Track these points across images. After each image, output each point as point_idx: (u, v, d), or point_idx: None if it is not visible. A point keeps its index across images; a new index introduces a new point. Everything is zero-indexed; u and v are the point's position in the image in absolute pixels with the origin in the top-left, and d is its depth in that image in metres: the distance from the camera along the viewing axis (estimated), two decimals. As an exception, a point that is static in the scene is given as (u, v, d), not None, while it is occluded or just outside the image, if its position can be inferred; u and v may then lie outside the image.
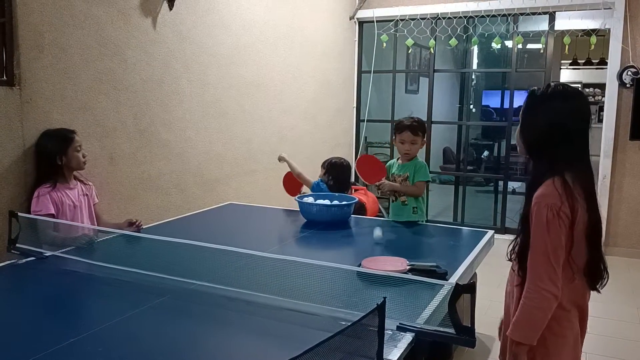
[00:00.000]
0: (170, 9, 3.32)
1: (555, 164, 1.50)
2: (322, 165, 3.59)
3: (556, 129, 1.51)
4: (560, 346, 1.54)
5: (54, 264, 2.08)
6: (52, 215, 2.39)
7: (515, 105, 5.63)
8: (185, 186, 3.57)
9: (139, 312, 1.61)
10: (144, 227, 2.62)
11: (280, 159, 3.64)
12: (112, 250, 2.29)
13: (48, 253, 2.13)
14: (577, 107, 1.54)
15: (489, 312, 3.13)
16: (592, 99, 13.25)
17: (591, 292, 1.63)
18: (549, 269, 1.45)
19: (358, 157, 3.31)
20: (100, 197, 2.79)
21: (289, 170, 3.57)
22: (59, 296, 1.80)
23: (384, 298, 1.25)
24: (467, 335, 1.43)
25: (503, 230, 5.35)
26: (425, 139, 2.99)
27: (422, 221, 2.95)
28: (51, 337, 1.44)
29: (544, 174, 1.51)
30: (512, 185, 6.75)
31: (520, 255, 1.56)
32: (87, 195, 2.64)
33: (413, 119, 2.98)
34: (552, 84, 1.60)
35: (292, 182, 3.58)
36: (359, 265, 1.94)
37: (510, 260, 1.63)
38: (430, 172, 5.47)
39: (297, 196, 3.32)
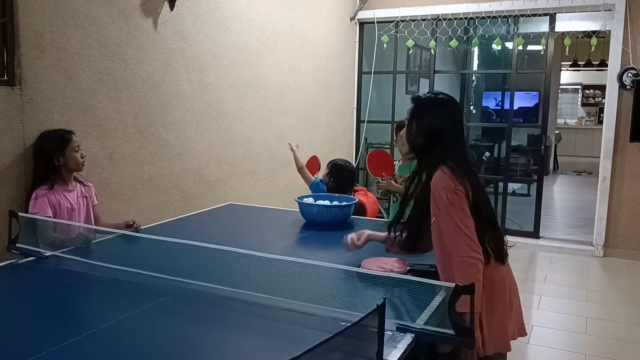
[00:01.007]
0: (171, 10, 3.32)
1: (440, 158, 1.75)
2: (327, 166, 3.57)
3: (437, 130, 1.78)
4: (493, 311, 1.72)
5: (53, 264, 2.08)
6: (50, 218, 2.38)
7: (516, 106, 5.63)
8: (185, 186, 3.58)
9: (138, 313, 1.61)
10: (143, 227, 2.62)
11: (290, 148, 3.68)
12: (112, 251, 2.29)
13: (48, 253, 2.12)
14: (455, 112, 1.84)
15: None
16: (593, 100, 13.33)
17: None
18: (466, 239, 1.65)
19: (371, 151, 3.41)
20: (100, 198, 2.79)
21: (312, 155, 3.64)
22: (59, 296, 1.80)
23: (384, 299, 1.25)
24: (466, 336, 1.43)
25: (503, 231, 5.34)
26: None
27: None
28: (51, 337, 1.43)
29: (431, 168, 1.76)
30: (512, 186, 6.75)
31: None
32: (86, 196, 2.63)
33: (404, 119, 2.96)
34: (432, 92, 1.90)
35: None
36: (359, 266, 1.94)
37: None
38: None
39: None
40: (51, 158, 2.48)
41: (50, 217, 2.38)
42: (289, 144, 3.73)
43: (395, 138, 3.01)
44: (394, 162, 3.09)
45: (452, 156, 1.75)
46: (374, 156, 3.27)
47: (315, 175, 3.53)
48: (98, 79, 2.89)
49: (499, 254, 1.76)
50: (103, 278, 1.93)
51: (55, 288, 1.88)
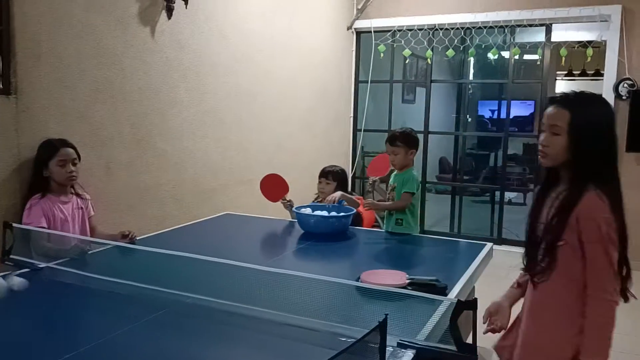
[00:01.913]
0: (169, 18, 3.32)
1: (597, 172, 1.53)
2: (325, 177, 3.50)
3: (607, 133, 1.56)
4: None
5: (48, 276, 2.05)
6: (44, 228, 2.35)
7: (512, 115, 5.65)
8: (182, 196, 3.55)
9: (135, 327, 1.58)
10: (139, 237, 2.59)
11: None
12: (107, 262, 2.26)
13: (42, 264, 2.09)
14: (612, 111, 1.63)
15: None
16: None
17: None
18: (613, 281, 1.49)
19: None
20: (96, 207, 2.76)
21: (268, 173, 3.36)
22: (54, 309, 1.77)
23: (386, 315, 1.23)
24: (468, 352, 1.41)
25: (500, 241, 5.34)
26: (412, 149, 2.93)
27: (413, 233, 2.91)
28: (45, 353, 1.41)
29: (584, 184, 1.52)
30: (507, 195, 6.76)
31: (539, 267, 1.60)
32: (82, 208, 2.59)
33: (396, 130, 2.98)
34: (572, 91, 1.60)
35: (274, 185, 3.30)
36: (358, 279, 1.92)
37: (530, 272, 1.66)
38: (427, 182, 5.43)
39: (281, 200, 3.26)
40: (40, 168, 2.46)
41: (45, 227, 2.35)
42: (283, 203, 3.30)
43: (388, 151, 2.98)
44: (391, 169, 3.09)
45: (607, 177, 1.54)
46: (377, 159, 3.29)
47: (284, 197, 3.28)
48: (95, 88, 2.87)
49: (623, 292, 1.58)
50: (99, 290, 1.90)
51: (50, 301, 1.85)
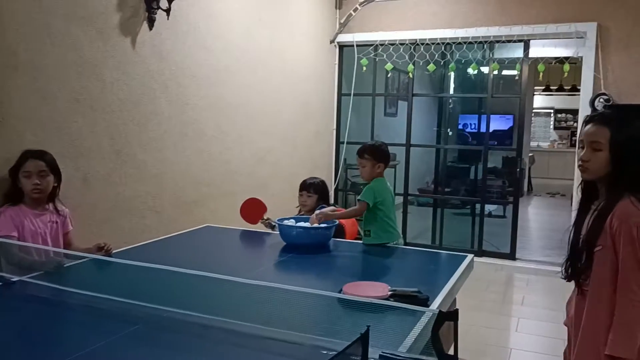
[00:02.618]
0: (150, 29, 3.30)
1: (634, 183, 1.62)
2: (306, 189, 3.49)
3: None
4: None
5: (21, 290, 1.99)
6: (15, 237, 2.29)
7: (491, 129, 5.73)
8: (162, 208, 3.50)
9: (112, 341, 1.54)
10: (117, 250, 2.55)
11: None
12: (83, 276, 2.21)
13: (15, 278, 2.04)
14: None
15: (467, 338, 3.11)
16: (564, 124, 13.67)
17: None
18: (639, 280, 1.56)
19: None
20: (73, 220, 2.70)
21: (248, 197, 3.43)
22: (27, 324, 1.72)
23: (368, 327, 1.22)
24: (450, 364, 1.41)
25: (480, 253, 5.38)
26: (380, 162, 2.91)
27: (392, 243, 2.90)
28: (17, 369, 1.36)
29: (619, 196, 1.61)
30: (488, 208, 6.82)
31: (582, 274, 1.70)
32: (56, 222, 2.51)
33: (365, 143, 3.02)
34: (608, 107, 1.71)
35: (253, 208, 3.37)
36: (340, 291, 1.91)
37: (568, 279, 1.75)
38: (409, 195, 5.42)
39: (260, 221, 3.31)
40: (14, 178, 2.41)
41: (15, 236, 2.30)
42: (262, 222, 3.37)
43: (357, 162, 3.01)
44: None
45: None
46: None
47: (263, 216, 3.34)
48: (74, 99, 2.83)
49: None
50: (74, 305, 1.85)
51: (23, 316, 1.79)
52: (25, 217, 2.39)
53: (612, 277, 1.62)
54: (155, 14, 3.28)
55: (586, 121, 1.73)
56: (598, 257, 1.64)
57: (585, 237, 1.69)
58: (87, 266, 2.30)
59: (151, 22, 3.29)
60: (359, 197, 2.92)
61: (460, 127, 9.39)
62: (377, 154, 2.93)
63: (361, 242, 2.97)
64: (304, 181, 3.55)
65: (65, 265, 2.22)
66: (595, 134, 1.67)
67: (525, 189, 10.62)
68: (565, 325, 1.89)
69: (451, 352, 1.46)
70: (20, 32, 2.53)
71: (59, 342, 1.61)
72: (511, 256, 5.43)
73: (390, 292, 1.91)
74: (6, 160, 2.47)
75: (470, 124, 9.38)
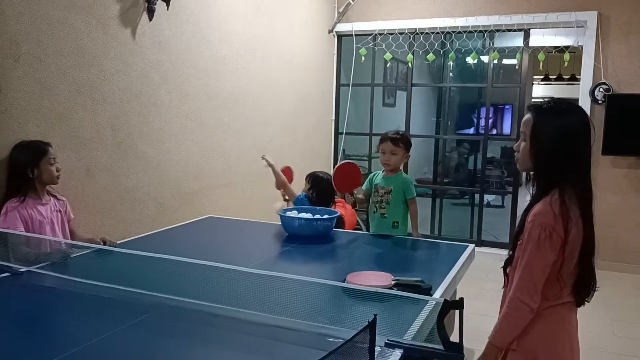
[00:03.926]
0: (150, 20, 3.28)
1: (561, 179, 1.55)
2: (306, 179, 3.56)
3: (566, 143, 1.54)
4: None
5: (29, 280, 2.01)
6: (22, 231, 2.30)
7: (491, 119, 5.74)
8: (163, 199, 3.51)
9: (119, 331, 1.56)
10: (121, 241, 2.56)
11: (265, 161, 3.51)
12: (90, 266, 2.23)
13: (23, 269, 2.05)
14: (585, 122, 1.57)
15: (467, 326, 3.13)
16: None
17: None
18: (530, 284, 1.54)
19: (338, 164, 3.14)
20: (76, 210, 2.72)
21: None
22: (36, 314, 1.73)
23: (375, 315, 1.24)
24: (455, 351, 1.43)
25: (479, 243, 5.41)
26: (408, 152, 2.98)
27: (405, 235, 2.95)
28: (28, 358, 1.38)
29: (548, 190, 1.56)
30: (486, 198, 6.85)
31: (507, 267, 1.70)
32: (60, 211, 2.54)
33: (398, 132, 3.00)
34: (552, 99, 1.61)
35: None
36: (344, 281, 1.93)
37: (504, 271, 1.74)
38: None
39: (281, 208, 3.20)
40: (25, 170, 2.40)
41: (22, 231, 2.31)
42: (264, 158, 3.57)
43: (378, 148, 3.01)
44: (376, 171, 3.09)
45: (572, 181, 1.56)
46: (340, 170, 3.06)
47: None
48: (75, 89, 2.82)
49: (580, 298, 1.62)
50: (82, 294, 1.86)
51: (32, 305, 1.81)
52: (32, 208, 2.40)
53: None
54: (155, 4, 3.27)
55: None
56: (518, 251, 1.62)
57: (516, 230, 1.69)
58: (94, 256, 2.32)
59: (151, 13, 3.27)
60: (409, 197, 2.92)
61: (459, 117, 9.37)
62: (409, 144, 2.99)
63: (361, 232, 2.98)
64: (316, 174, 3.53)
65: (71, 256, 2.23)
66: (524, 123, 1.62)
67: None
68: None
69: (453, 339, 1.48)
70: (20, 21, 2.51)
71: (70, 331, 1.62)
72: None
73: (393, 282, 1.93)
74: (9, 150, 2.47)
75: (471, 114, 9.37)
